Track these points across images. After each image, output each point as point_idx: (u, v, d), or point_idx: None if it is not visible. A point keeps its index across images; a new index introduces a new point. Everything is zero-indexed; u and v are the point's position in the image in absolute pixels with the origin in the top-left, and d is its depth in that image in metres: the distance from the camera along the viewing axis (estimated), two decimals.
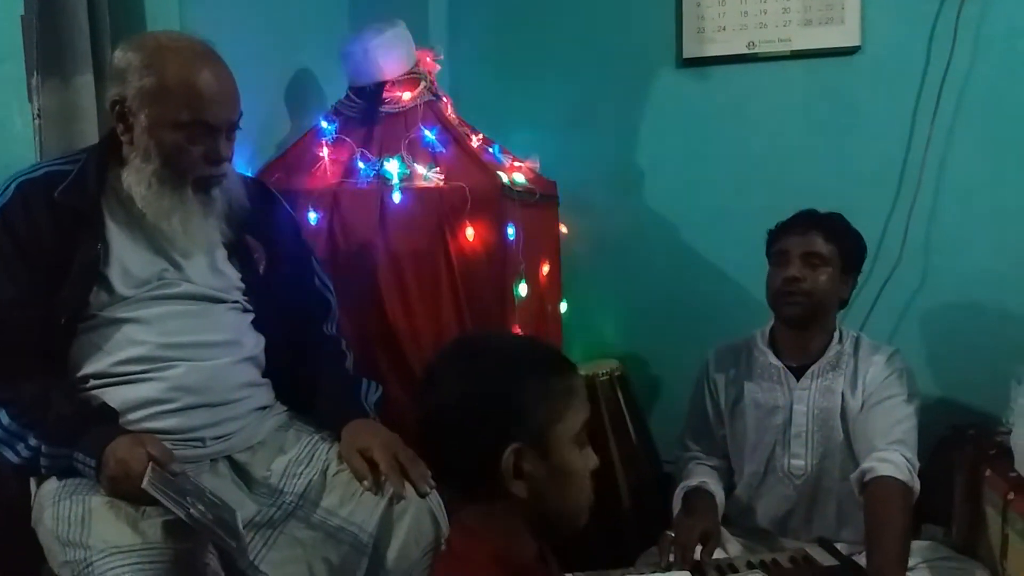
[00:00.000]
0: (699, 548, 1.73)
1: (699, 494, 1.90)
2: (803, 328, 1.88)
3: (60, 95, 1.60)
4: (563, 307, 2.46)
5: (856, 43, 2.45)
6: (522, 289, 2.06)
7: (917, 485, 1.73)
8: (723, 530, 1.93)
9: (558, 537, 1.08)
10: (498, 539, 1.04)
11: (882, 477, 1.69)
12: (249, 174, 1.92)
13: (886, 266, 2.44)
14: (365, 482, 1.45)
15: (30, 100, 1.62)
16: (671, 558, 1.72)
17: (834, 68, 2.48)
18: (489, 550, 1.03)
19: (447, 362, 1.08)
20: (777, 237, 1.91)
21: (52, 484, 1.36)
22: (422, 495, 1.45)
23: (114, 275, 1.44)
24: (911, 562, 1.66)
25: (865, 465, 1.73)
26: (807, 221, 1.88)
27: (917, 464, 1.75)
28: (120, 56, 1.44)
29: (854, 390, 1.85)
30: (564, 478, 1.04)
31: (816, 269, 1.83)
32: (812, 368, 1.88)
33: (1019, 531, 1.72)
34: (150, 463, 1.29)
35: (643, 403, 2.52)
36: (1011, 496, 1.76)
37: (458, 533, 1.09)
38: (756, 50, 2.52)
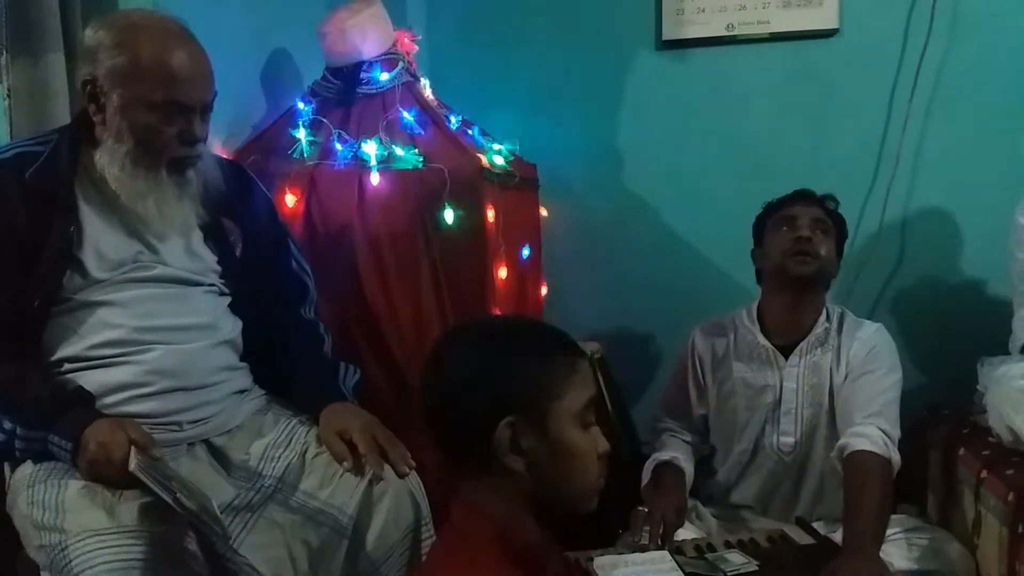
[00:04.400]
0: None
1: (670, 468, 1.92)
2: (804, 293, 1.88)
3: (30, 74, 1.57)
4: (543, 290, 2.47)
5: (834, 25, 2.46)
6: (502, 272, 2.06)
7: (896, 457, 1.74)
8: (699, 506, 1.96)
9: (560, 516, 1.09)
10: (499, 517, 1.05)
11: (858, 451, 1.71)
12: (225, 156, 1.90)
13: (864, 247, 2.47)
14: (345, 463, 1.44)
15: (0, 80, 1.59)
16: (646, 539, 1.74)
17: (812, 50, 2.49)
18: (490, 527, 1.04)
19: (452, 342, 1.11)
20: (779, 206, 1.92)
21: (27, 468, 1.35)
22: (401, 476, 1.45)
23: (88, 258, 1.42)
24: (886, 535, 1.68)
25: (842, 441, 1.76)
26: (811, 195, 1.92)
27: (896, 435, 1.77)
28: (91, 34, 1.41)
29: (839, 366, 1.87)
30: (564, 456, 1.05)
31: (824, 235, 1.87)
32: (800, 345, 1.89)
33: (991, 508, 1.75)
34: (132, 447, 1.28)
35: (623, 385, 2.53)
36: (984, 474, 1.79)
37: (460, 509, 1.09)
38: (735, 32, 2.53)
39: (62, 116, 1.58)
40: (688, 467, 1.95)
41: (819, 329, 1.89)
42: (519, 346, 1.07)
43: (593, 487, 1.08)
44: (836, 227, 1.90)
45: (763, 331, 1.93)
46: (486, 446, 1.03)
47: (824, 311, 1.91)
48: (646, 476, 1.94)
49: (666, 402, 2.08)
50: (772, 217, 1.92)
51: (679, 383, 2.04)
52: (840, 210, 1.95)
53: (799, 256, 1.84)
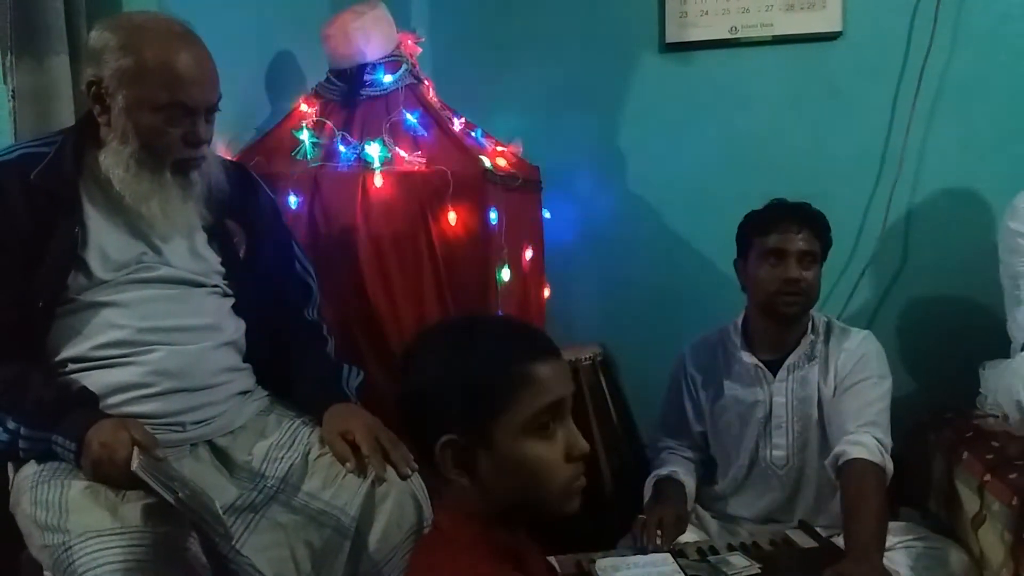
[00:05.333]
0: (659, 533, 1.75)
1: (669, 483, 1.93)
2: (791, 324, 1.89)
3: (35, 76, 1.58)
4: (546, 292, 2.46)
5: (837, 28, 2.46)
6: (505, 274, 2.06)
7: (890, 465, 1.75)
8: (699, 508, 1.97)
9: (529, 523, 1.07)
10: (480, 516, 1.05)
11: (854, 460, 1.71)
12: (229, 157, 1.90)
13: (866, 251, 2.46)
14: (348, 464, 1.44)
15: (4, 81, 1.60)
16: (645, 540, 1.74)
17: (816, 54, 2.49)
18: (475, 530, 1.04)
19: (413, 349, 1.08)
20: (763, 231, 1.86)
21: (30, 468, 1.35)
22: (403, 477, 1.45)
23: (92, 258, 1.42)
24: (888, 543, 1.68)
25: (837, 449, 1.75)
26: (798, 217, 1.85)
27: (889, 444, 1.77)
28: (96, 36, 1.41)
29: (826, 377, 1.87)
30: (515, 469, 1.00)
31: (810, 268, 1.84)
32: (788, 361, 1.89)
33: (995, 512, 1.74)
34: (135, 447, 1.28)
35: (626, 387, 2.53)
36: (987, 478, 1.79)
37: (444, 512, 1.09)
38: (738, 35, 2.52)
39: (66, 118, 1.59)
40: (688, 480, 1.95)
41: (805, 343, 1.89)
42: (468, 358, 1.01)
43: (562, 491, 1.02)
44: (822, 244, 1.86)
45: (750, 347, 1.93)
46: (427, 458, 1.01)
47: (810, 323, 1.91)
48: (647, 492, 1.94)
49: (664, 422, 2.08)
50: (758, 243, 1.86)
51: (675, 402, 2.04)
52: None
53: (787, 297, 1.83)
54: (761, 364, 1.91)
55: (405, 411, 1.05)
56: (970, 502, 1.85)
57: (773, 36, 2.50)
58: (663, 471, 1.95)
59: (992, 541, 1.74)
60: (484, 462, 1.00)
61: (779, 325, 1.89)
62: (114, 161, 1.42)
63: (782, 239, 1.84)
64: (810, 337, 1.89)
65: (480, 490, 1.01)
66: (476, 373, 1.00)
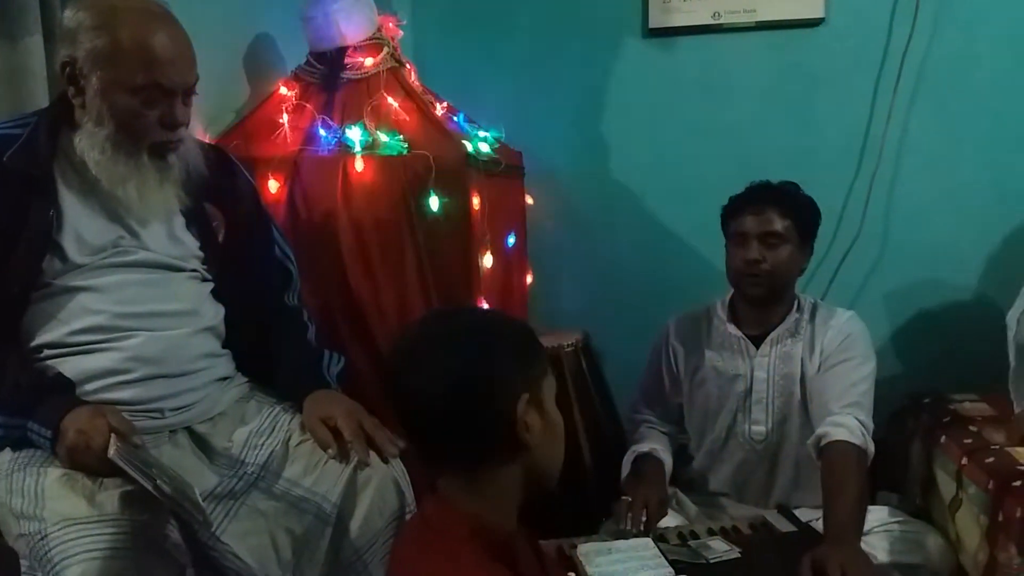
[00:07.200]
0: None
1: (649, 460, 1.93)
2: (764, 303, 1.90)
3: (8, 57, 1.54)
4: (529, 278, 2.46)
5: (820, 15, 2.46)
6: (487, 260, 2.05)
7: (871, 447, 1.76)
8: (679, 493, 1.97)
9: (543, 493, 1.11)
10: (478, 510, 1.05)
11: (836, 442, 1.72)
12: (207, 140, 1.88)
13: (847, 238, 2.48)
14: (330, 450, 1.44)
15: None
16: (629, 524, 1.74)
17: (798, 40, 2.49)
18: (467, 522, 1.04)
19: (426, 343, 1.07)
20: (733, 215, 1.89)
21: (6, 456, 1.33)
22: (390, 457, 1.45)
23: (68, 242, 1.40)
24: (866, 526, 1.69)
25: (820, 430, 1.77)
26: (761, 198, 1.86)
27: (871, 426, 1.79)
28: (70, 16, 1.38)
29: (811, 355, 1.88)
30: (555, 430, 1.10)
31: (775, 248, 1.83)
32: (771, 335, 1.90)
33: (971, 496, 1.76)
34: (112, 434, 1.27)
35: (607, 373, 2.54)
36: (964, 462, 1.81)
37: (434, 503, 1.09)
38: (721, 21, 2.52)
39: (41, 99, 1.55)
40: (667, 458, 1.96)
41: (790, 319, 1.90)
42: (501, 332, 1.08)
43: (561, 461, 1.13)
44: (796, 223, 1.85)
45: (735, 321, 1.94)
46: (499, 433, 1.03)
47: (795, 302, 1.92)
48: (626, 468, 1.95)
49: (642, 392, 2.09)
50: (730, 226, 1.89)
51: (654, 372, 2.05)
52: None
53: (750, 279, 1.85)
54: (744, 336, 1.91)
55: (444, 400, 1.04)
56: (947, 486, 1.88)
57: (756, 22, 2.50)
58: (643, 447, 1.96)
59: (968, 525, 1.77)
60: (539, 425, 1.06)
61: (755, 307, 1.90)
62: (89, 144, 1.39)
63: (742, 221, 1.86)
64: (795, 315, 1.90)
65: (533, 456, 1.06)
66: (521, 341, 1.08)
